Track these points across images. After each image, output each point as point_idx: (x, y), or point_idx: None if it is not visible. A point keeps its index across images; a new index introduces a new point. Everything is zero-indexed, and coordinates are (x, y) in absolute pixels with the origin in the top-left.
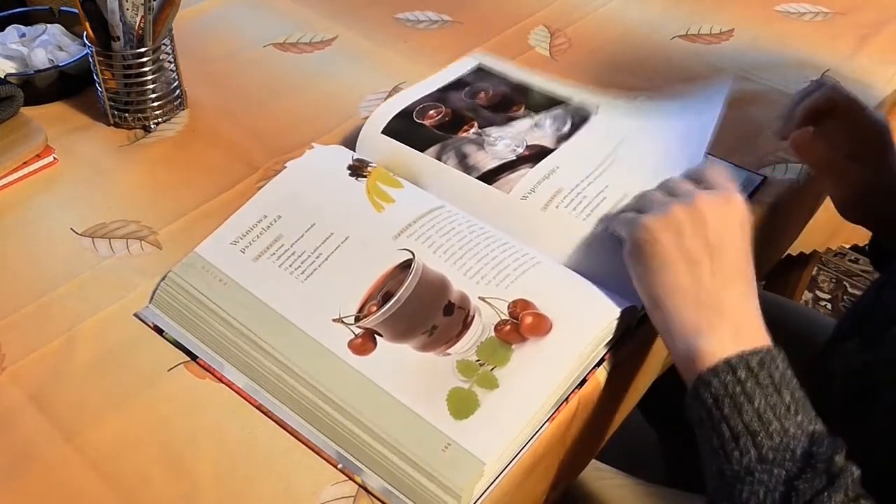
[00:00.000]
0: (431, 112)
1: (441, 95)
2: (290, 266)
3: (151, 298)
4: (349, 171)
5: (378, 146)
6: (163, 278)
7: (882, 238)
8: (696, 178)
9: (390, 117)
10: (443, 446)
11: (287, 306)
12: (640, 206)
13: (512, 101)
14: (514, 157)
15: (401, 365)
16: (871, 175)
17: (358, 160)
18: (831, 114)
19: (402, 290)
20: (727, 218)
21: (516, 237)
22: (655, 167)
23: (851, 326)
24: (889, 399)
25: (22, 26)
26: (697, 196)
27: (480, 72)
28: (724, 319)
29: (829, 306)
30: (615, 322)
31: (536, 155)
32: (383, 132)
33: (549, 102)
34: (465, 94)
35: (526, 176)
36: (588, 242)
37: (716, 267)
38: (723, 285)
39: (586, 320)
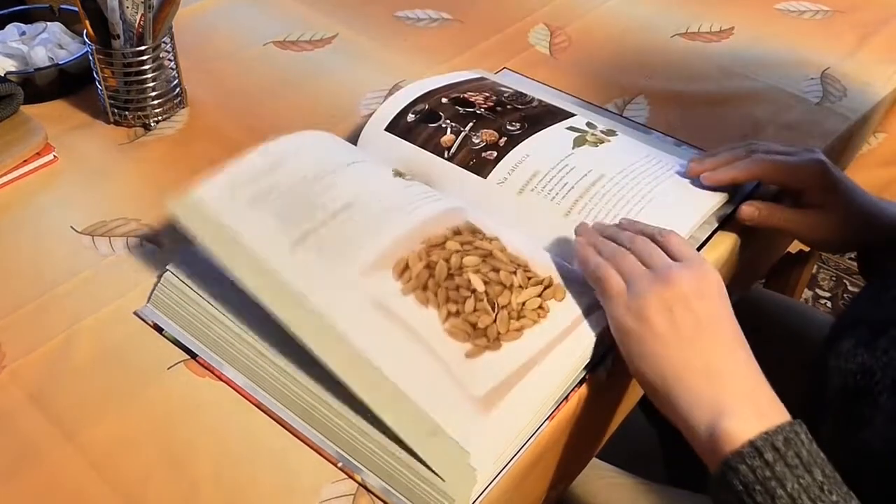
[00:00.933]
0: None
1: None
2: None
3: (149, 298)
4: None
5: (380, 143)
6: (160, 278)
7: (869, 253)
8: (662, 246)
9: (393, 115)
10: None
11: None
12: (618, 268)
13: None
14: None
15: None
16: (831, 215)
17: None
18: (759, 179)
19: None
20: (709, 291)
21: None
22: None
23: (847, 326)
24: (886, 402)
25: (22, 24)
26: (677, 272)
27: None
28: (741, 392)
29: (829, 304)
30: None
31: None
32: (386, 129)
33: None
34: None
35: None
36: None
37: (715, 338)
38: (728, 355)
39: (580, 330)
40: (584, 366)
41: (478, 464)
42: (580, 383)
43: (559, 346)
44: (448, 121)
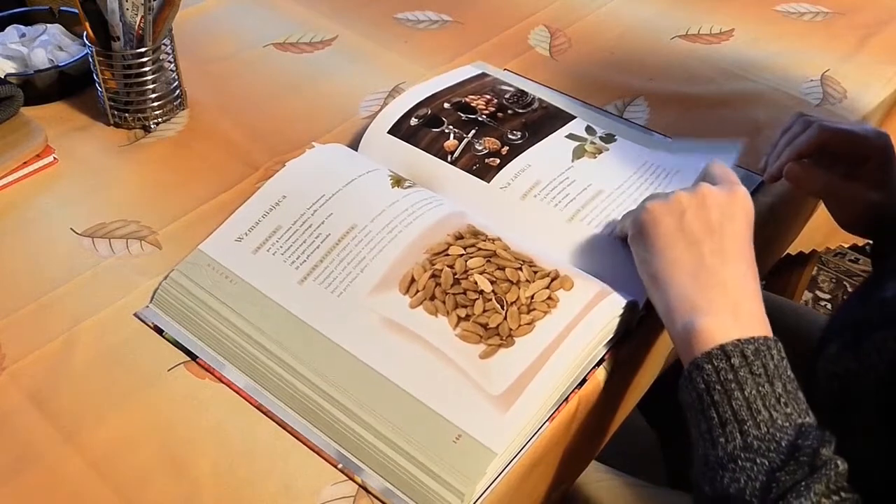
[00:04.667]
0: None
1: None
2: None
3: (152, 298)
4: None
5: (383, 146)
6: (165, 278)
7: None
8: (703, 175)
9: (396, 118)
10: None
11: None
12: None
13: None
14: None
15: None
16: (876, 193)
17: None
18: (824, 148)
19: None
20: (729, 206)
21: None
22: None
23: (836, 329)
24: (871, 406)
25: (22, 26)
26: (701, 185)
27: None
28: (723, 297)
29: (829, 306)
30: (617, 319)
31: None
32: (388, 132)
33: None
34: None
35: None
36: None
37: (715, 246)
38: (722, 263)
39: (591, 315)
40: (602, 347)
41: (503, 460)
42: (580, 385)
43: (572, 333)
44: (451, 126)
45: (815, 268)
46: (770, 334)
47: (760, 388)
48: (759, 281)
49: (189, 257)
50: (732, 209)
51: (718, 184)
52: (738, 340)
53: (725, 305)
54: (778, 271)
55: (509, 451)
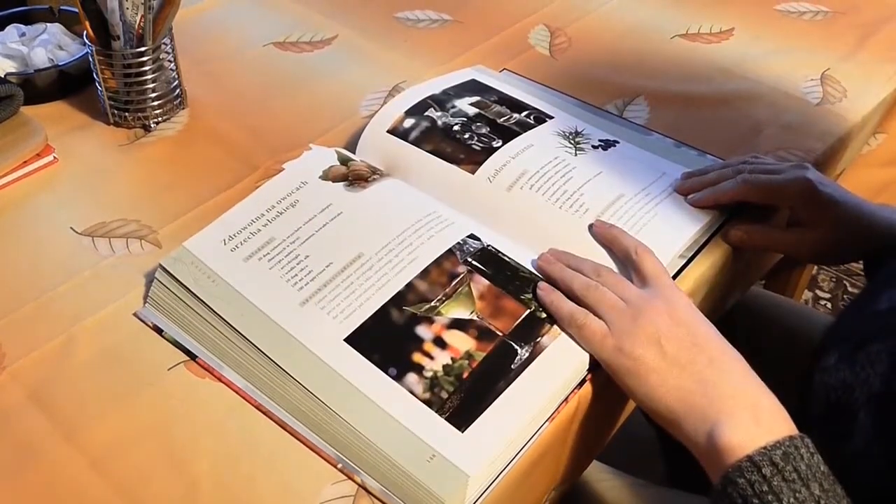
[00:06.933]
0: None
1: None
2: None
3: (146, 299)
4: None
5: (381, 145)
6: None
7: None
8: (636, 266)
9: (395, 118)
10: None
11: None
12: (593, 305)
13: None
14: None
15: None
16: (822, 232)
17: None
18: (745, 201)
19: None
20: (684, 316)
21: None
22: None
23: (834, 340)
24: (864, 419)
25: (22, 25)
26: (652, 305)
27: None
28: (739, 404)
29: (828, 305)
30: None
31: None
32: (387, 131)
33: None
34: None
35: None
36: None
37: (707, 358)
38: (721, 368)
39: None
40: (560, 380)
41: (473, 482)
42: (580, 384)
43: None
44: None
45: (815, 267)
46: (794, 430)
47: (798, 495)
48: (753, 371)
49: (173, 253)
50: (690, 315)
51: (649, 287)
52: (765, 448)
53: (744, 408)
54: (778, 270)
55: (493, 465)
